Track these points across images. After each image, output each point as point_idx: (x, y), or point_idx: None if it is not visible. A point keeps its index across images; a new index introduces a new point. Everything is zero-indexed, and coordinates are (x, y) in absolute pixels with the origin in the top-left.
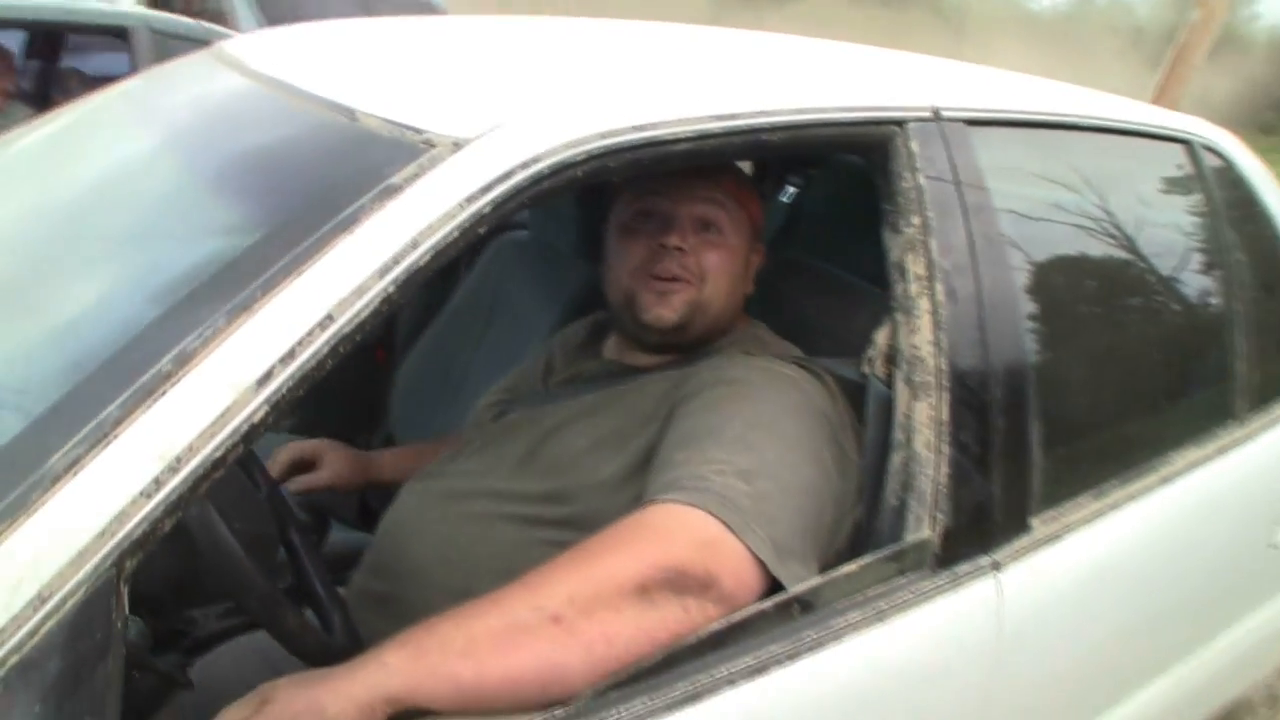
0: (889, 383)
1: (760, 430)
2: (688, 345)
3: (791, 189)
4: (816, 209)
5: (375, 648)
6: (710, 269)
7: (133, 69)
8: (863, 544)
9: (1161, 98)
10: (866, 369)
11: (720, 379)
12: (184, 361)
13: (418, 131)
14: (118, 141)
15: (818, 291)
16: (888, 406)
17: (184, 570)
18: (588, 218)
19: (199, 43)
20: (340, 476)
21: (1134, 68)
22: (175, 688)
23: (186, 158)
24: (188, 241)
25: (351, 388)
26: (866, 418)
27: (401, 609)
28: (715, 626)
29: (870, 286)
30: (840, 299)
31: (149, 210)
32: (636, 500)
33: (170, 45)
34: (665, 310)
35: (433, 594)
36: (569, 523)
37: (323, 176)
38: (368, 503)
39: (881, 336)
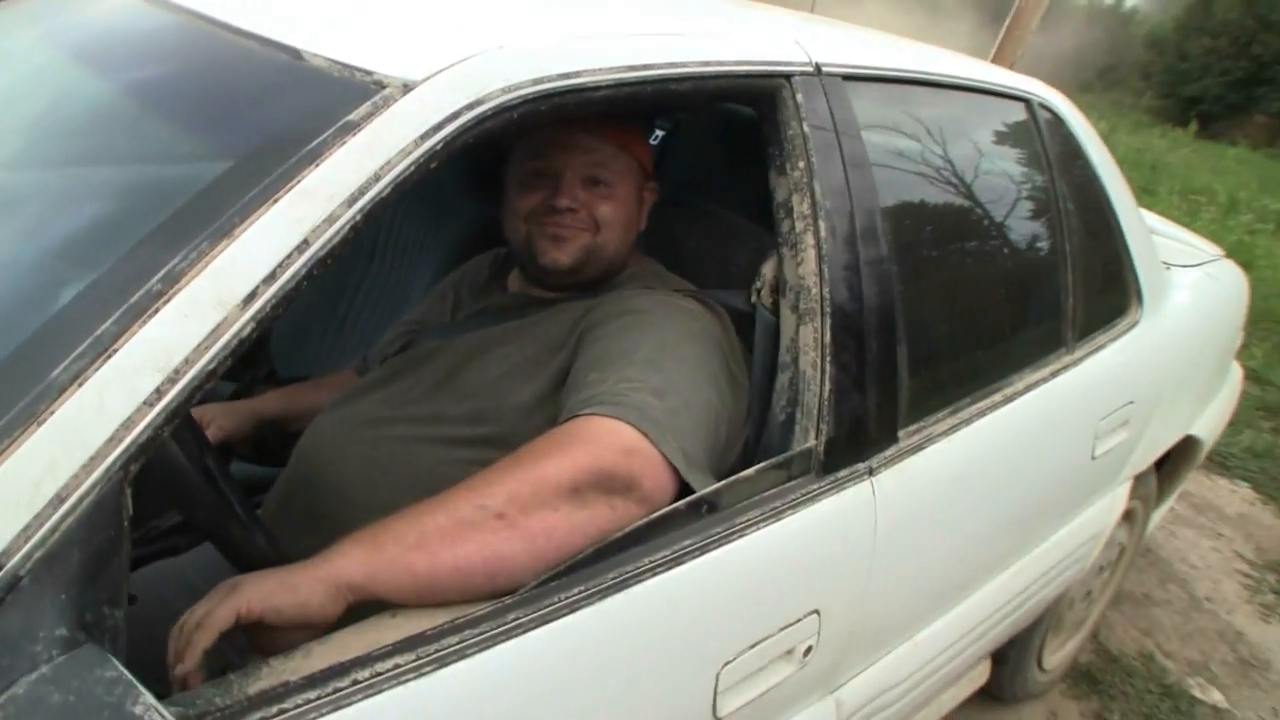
0: (775, 311)
1: (666, 354)
2: (585, 284)
3: (660, 132)
4: (683, 151)
5: (334, 544)
6: (602, 219)
7: None
8: (751, 459)
9: (998, 59)
10: (755, 299)
11: (625, 309)
12: (173, 280)
13: (367, 73)
14: (46, 68)
15: (699, 228)
16: (774, 332)
17: None
18: (475, 158)
19: None
20: (228, 431)
21: (972, 23)
22: None
23: (134, 88)
24: (154, 168)
25: None
26: (754, 343)
27: (324, 529)
28: (638, 524)
29: (745, 221)
30: (720, 235)
31: (107, 136)
32: (551, 421)
33: None
34: (560, 255)
35: (357, 514)
36: (487, 442)
37: (279, 112)
38: (264, 438)
39: (768, 269)
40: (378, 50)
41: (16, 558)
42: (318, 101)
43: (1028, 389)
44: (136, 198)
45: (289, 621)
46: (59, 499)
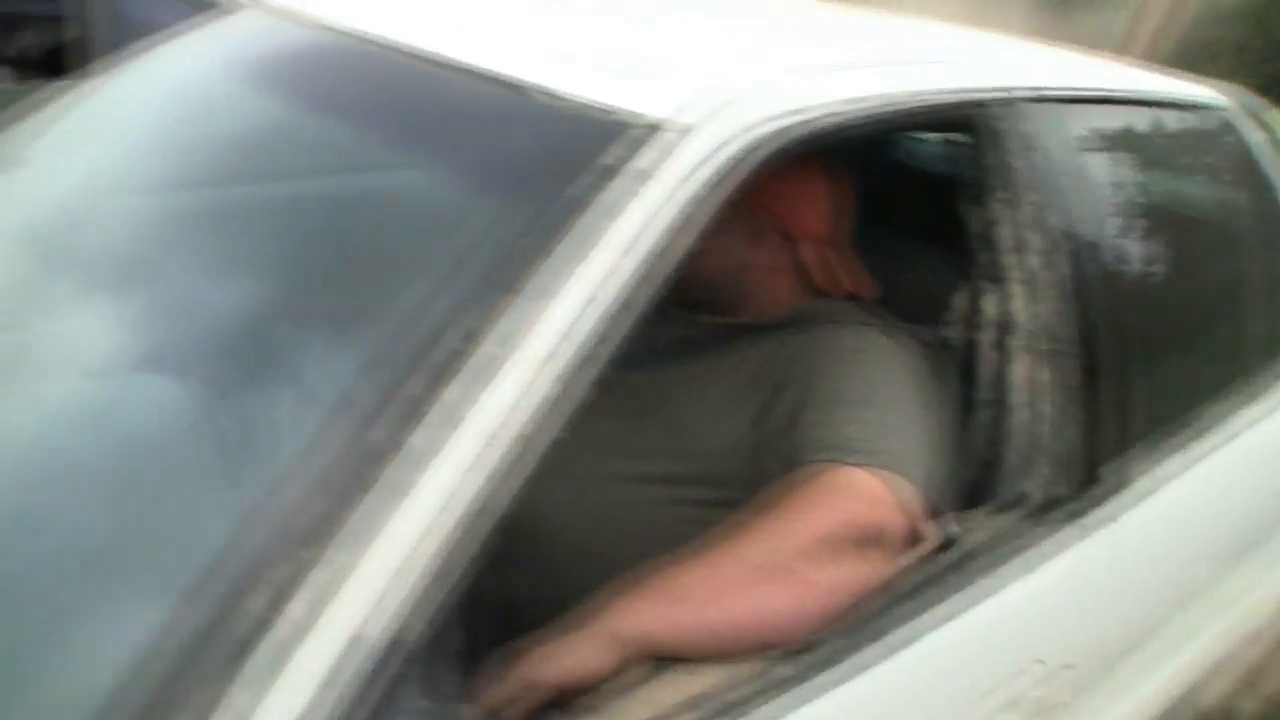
0: (973, 346)
1: (878, 391)
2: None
3: None
4: None
5: (587, 598)
6: None
7: None
8: (954, 501)
9: (1127, 51)
10: (950, 333)
11: (823, 345)
12: (504, 342)
13: (637, 115)
14: (240, 115)
15: (873, 258)
16: (973, 369)
17: None
18: None
19: None
20: None
21: (1029, 4)
22: None
23: (363, 133)
24: (419, 215)
25: None
26: (949, 380)
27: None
28: (901, 577)
29: (920, 247)
30: (899, 264)
31: (352, 185)
32: (754, 462)
33: None
34: None
35: (562, 552)
36: (694, 481)
37: (549, 156)
38: None
39: (963, 302)
40: (632, 90)
41: (410, 626)
42: (590, 145)
43: (1234, 420)
44: (422, 250)
45: (579, 684)
46: (435, 565)
